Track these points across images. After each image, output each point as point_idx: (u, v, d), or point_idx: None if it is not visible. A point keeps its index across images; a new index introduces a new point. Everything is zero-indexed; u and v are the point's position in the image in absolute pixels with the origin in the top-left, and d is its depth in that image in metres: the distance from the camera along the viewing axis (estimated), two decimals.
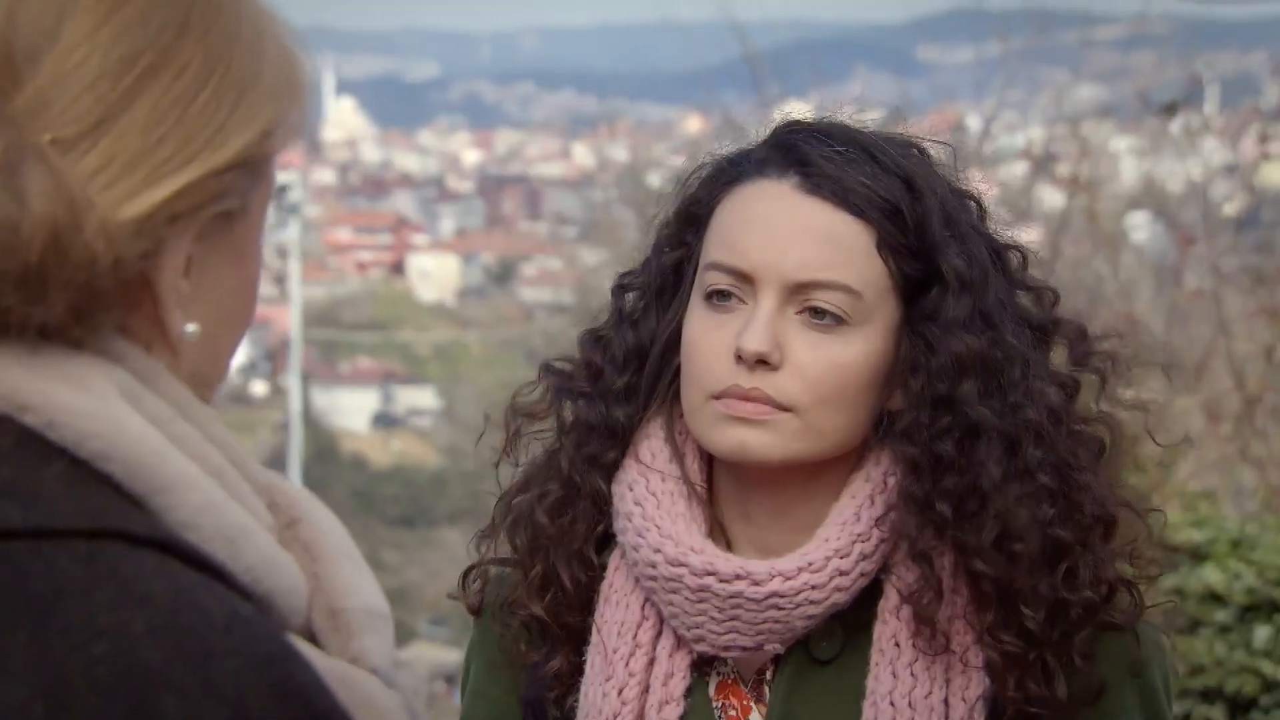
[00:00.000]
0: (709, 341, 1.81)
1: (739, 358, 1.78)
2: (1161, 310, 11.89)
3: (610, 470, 1.88)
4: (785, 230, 1.79)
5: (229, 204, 1.09)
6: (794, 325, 1.79)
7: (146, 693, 0.93)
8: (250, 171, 1.10)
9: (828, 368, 1.78)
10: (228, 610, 0.98)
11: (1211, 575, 5.35)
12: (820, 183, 1.80)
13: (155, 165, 1.04)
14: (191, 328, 1.08)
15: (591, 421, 1.89)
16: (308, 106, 1.14)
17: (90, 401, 1.01)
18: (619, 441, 1.89)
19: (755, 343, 1.77)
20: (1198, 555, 5.53)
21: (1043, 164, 13.72)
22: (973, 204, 1.88)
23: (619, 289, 1.94)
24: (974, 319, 1.79)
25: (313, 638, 1.08)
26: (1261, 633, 5.18)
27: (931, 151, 1.89)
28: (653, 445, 1.88)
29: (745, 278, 1.80)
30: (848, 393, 1.79)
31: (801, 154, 1.82)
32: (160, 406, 1.05)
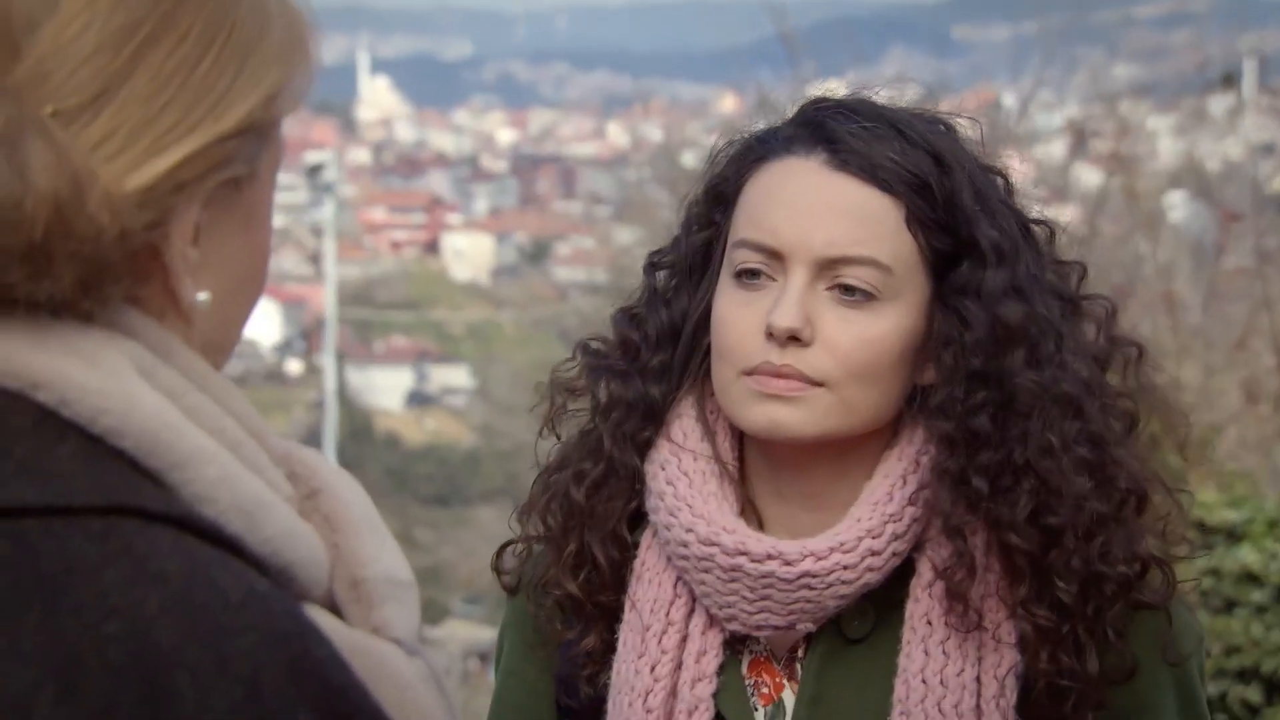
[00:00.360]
0: (739, 319, 1.80)
1: (770, 335, 1.77)
2: (1200, 289, 11.81)
3: (644, 448, 1.88)
4: (814, 207, 1.79)
5: (236, 170, 1.07)
6: (824, 301, 1.78)
7: (159, 672, 0.92)
8: (257, 136, 1.07)
9: (858, 343, 1.77)
10: (244, 586, 0.97)
11: (1248, 555, 5.32)
12: (848, 159, 1.79)
13: (159, 134, 1.02)
14: (203, 296, 1.07)
15: (629, 399, 1.88)
16: (314, 68, 1.11)
17: (103, 378, 1.00)
18: (654, 420, 1.88)
19: (787, 319, 1.76)
20: (1234, 535, 5.50)
21: (1080, 143, 13.65)
22: (1000, 180, 1.87)
23: (650, 267, 1.94)
24: (1010, 290, 1.78)
25: (335, 609, 1.06)
26: None
27: (960, 128, 1.87)
28: (684, 425, 1.87)
29: (775, 255, 1.79)
30: (879, 368, 1.78)
31: (829, 131, 1.81)
32: (175, 379, 1.03)
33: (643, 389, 1.88)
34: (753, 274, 1.81)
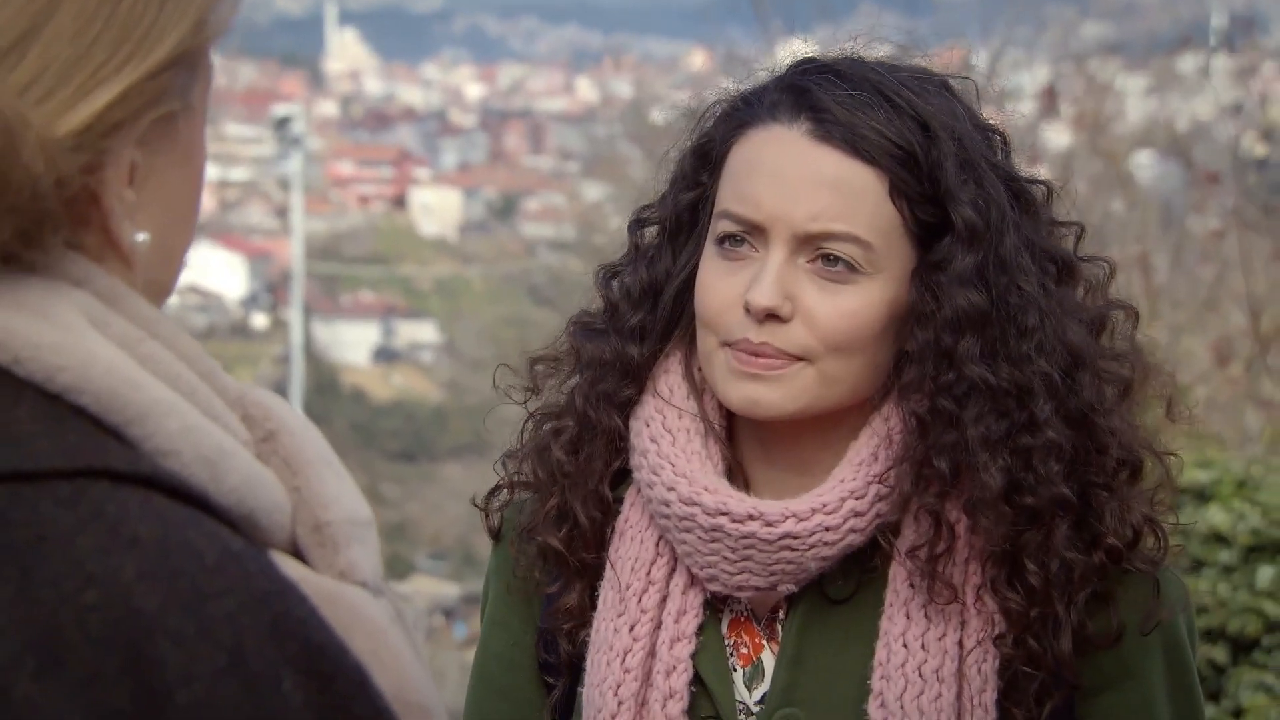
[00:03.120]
0: (720, 289, 1.79)
1: (747, 310, 1.75)
2: (1168, 250, 11.84)
3: (626, 407, 1.86)
4: (795, 180, 1.77)
5: (170, 105, 1.03)
6: (805, 275, 1.77)
7: (141, 641, 0.89)
8: (188, 67, 1.04)
9: (838, 317, 1.76)
10: (218, 548, 0.94)
11: (1216, 516, 5.34)
12: (831, 130, 1.77)
13: (89, 73, 0.98)
14: (142, 236, 1.03)
15: (605, 358, 1.87)
16: None
17: (56, 332, 0.97)
18: (634, 378, 1.87)
19: (764, 297, 1.75)
20: (1202, 496, 5.52)
21: (1052, 104, 13.65)
22: (997, 138, 1.84)
23: (636, 223, 1.92)
24: (984, 270, 1.75)
25: (298, 554, 1.05)
26: (1265, 573, 5.16)
27: (955, 85, 1.84)
28: (671, 380, 1.86)
29: (756, 228, 1.78)
30: (860, 341, 1.77)
31: (813, 99, 1.78)
32: (127, 328, 1.00)
33: (620, 347, 1.86)
34: (735, 241, 1.79)
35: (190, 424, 0.98)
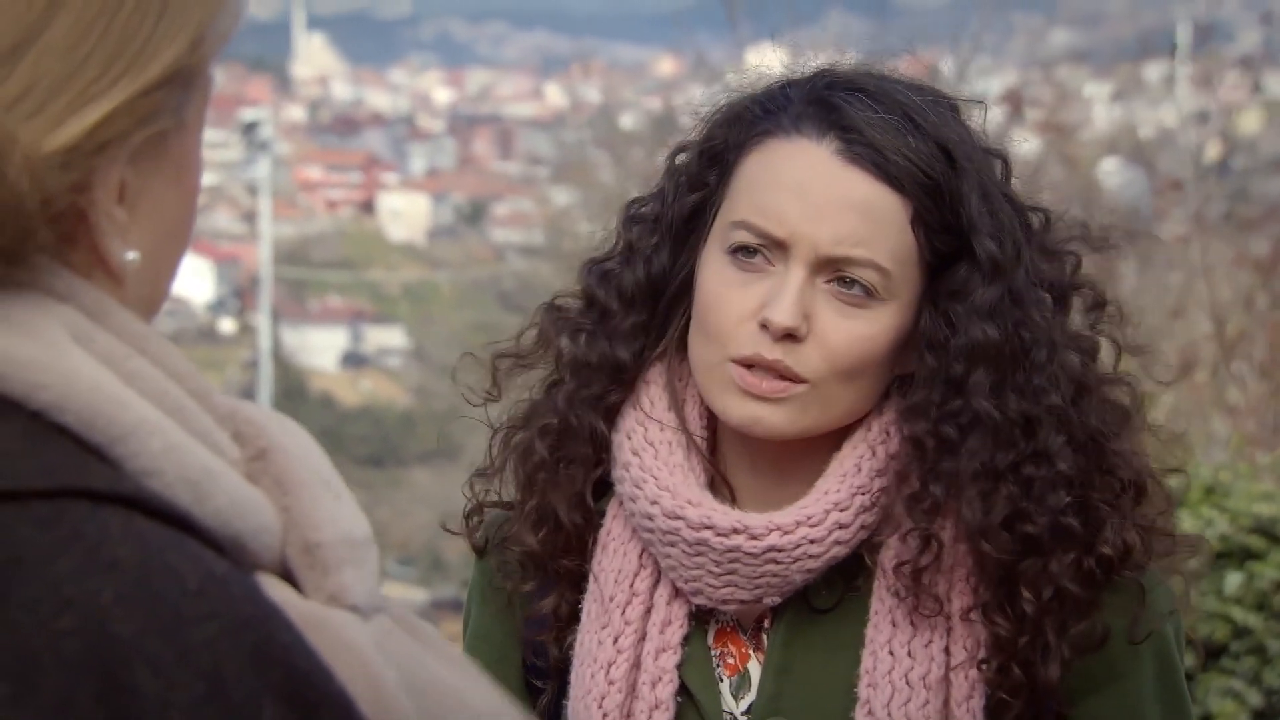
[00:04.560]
0: (731, 301, 1.76)
1: (764, 327, 1.74)
2: (1135, 257, 11.88)
3: (612, 413, 1.84)
4: (822, 200, 1.74)
5: (162, 123, 1.00)
6: (822, 296, 1.75)
7: (118, 667, 0.87)
8: (183, 84, 1.01)
9: (852, 341, 1.75)
10: (201, 571, 0.92)
11: (1184, 522, 5.35)
12: (861, 151, 1.74)
13: (81, 88, 0.95)
14: (132, 255, 1.00)
15: (593, 361, 1.84)
16: (240, 5, 1.04)
17: (38, 349, 0.94)
18: (620, 384, 1.84)
19: (786, 317, 1.72)
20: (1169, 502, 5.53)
21: (1018, 110, 13.68)
22: (999, 163, 1.83)
23: (631, 220, 1.88)
24: (1002, 304, 1.75)
25: (288, 575, 1.02)
26: (1233, 579, 5.18)
27: (962, 107, 1.84)
28: (651, 392, 1.84)
29: (778, 244, 1.75)
30: (867, 366, 1.76)
31: (843, 117, 1.76)
32: (112, 344, 0.98)
33: (609, 351, 1.83)
34: (749, 252, 1.76)
35: (174, 443, 0.96)
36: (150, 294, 1.05)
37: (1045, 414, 1.75)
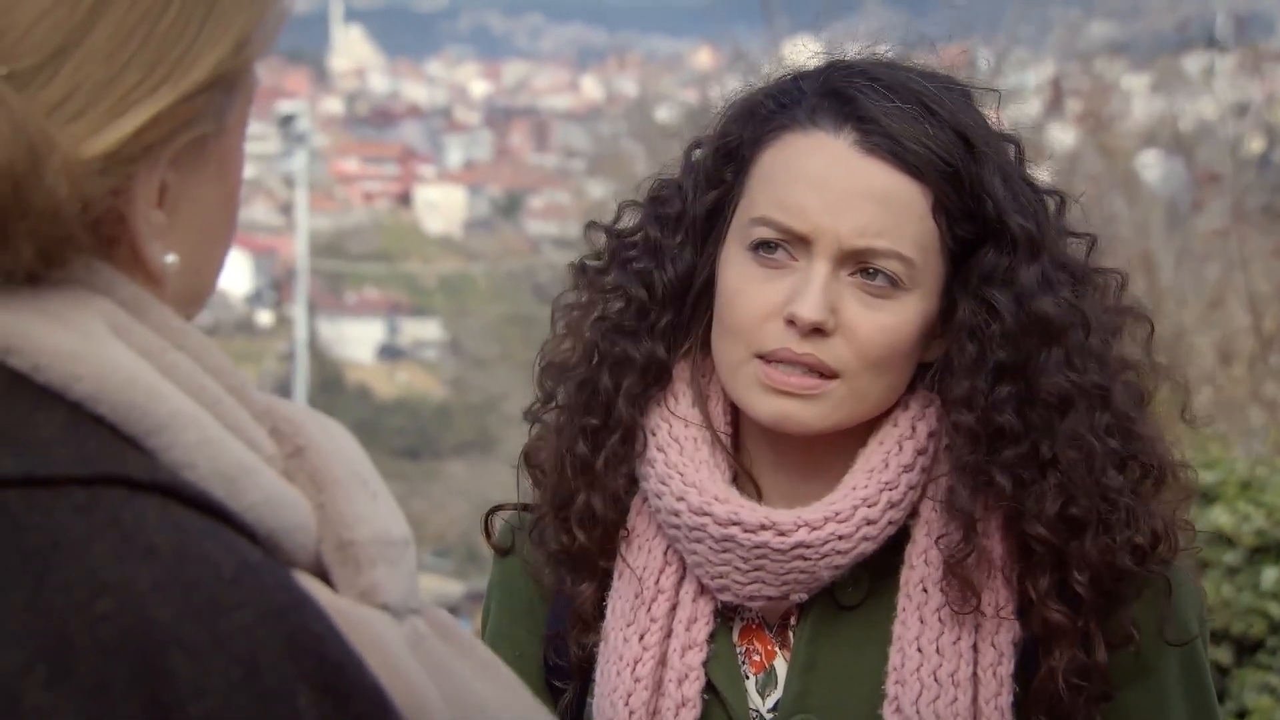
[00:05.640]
0: (755, 297, 1.76)
1: (791, 322, 1.73)
2: (1173, 250, 11.82)
3: (649, 407, 1.83)
4: (842, 192, 1.74)
5: (204, 128, 0.99)
6: (847, 289, 1.75)
7: (154, 652, 0.88)
8: (226, 88, 1.01)
9: (879, 331, 1.74)
10: (236, 559, 0.92)
11: (1220, 517, 5.32)
12: (879, 142, 1.74)
13: (122, 94, 0.94)
14: (171, 258, 1.00)
15: (640, 360, 1.83)
16: (284, 6, 1.03)
17: (77, 340, 0.95)
18: (661, 381, 1.84)
19: (813, 311, 1.72)
20: (1207, 496, 5.50)
21: (1057, 101, 13.63)
22: (1012, 148, 1.82)
23: (655, 219, 1.86)
24: (1044, 283, 1.75)
25: (322, 573, 1.02)
26: (1270, 574, 5.15)
27: (975, 93, 1.83)
28: (676, 388, 1.84)
29: (800, 238, 1.75)
30: (895, 357, 1.76)
31: (859, 108, 1.76)
32: (150, 337, 0.98)
33: (651, 349, 1.83)
34: (770, 248, 1.76)
35: (209, 437, 0.96)
36: (193, 292, 1.05)
37: (1091, 394, 1.74)
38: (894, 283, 1.74)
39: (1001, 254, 1.75)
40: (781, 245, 1.75)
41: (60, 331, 0.95)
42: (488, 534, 1.94)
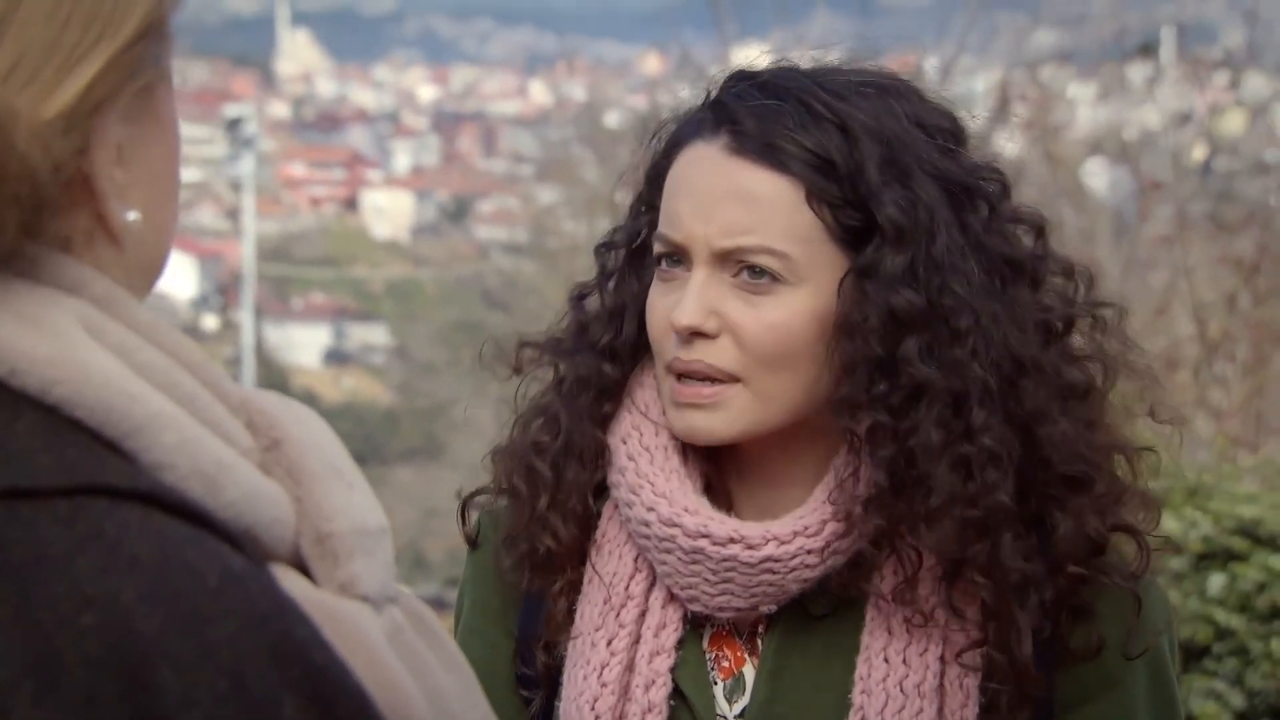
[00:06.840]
0: (656, 312, 1.79)
1: (676, 330, 1.75)
2: (1120, 258, 11.89)
3: (607, 422, 1.85)
4: (709, 196, 1.76)
5: (146, 76, 1.02)
6: (730, 289, 1.75)
7: (141, 665, 0.88)
8: (157, 35, 1.03)
9: (765, 329, 1.74)
10: (219, 569, 0.93)
11: (1167, 523, 5.35)
12: (745, 142, 1.75)
13: (66, 52, 0.97)
14: (133, 215, 1.02)
15: (583, 374, 1.85)
16: None
17: (51, 344, 0.95)
18: (611, 395, 1.85)
19: (685, 316, 1.74)
20: None
21: (1004, 107, 13.70)
22: (943, 135, 1.78)
23: (604, 247, 1.91)
24: (913, 271, 1.71)
25: (302, 565, 1.03)
26: (1216, 581, 5.18)
27: (900, 84, 1.80)
28: (647, 396, 1.85)
29: (680, 248, 1.77)
30: (789, 354, 1.74)
31: (730, 112, 1.77)
32: (124, 335, 0.99)
33: (596, 364, 1.85)
34: (673, 261, 1.78)
35: (187, 437, 0.97)
36: (152, 255, 1.06)
37: (973, 387, 1.70)
38: (774, 278, 1.74)
39: (881, 244, 1.72)
40: (673, 258, 1.78)
41: (35, 335, 0.95)
42: (463, 521, 1.93)
